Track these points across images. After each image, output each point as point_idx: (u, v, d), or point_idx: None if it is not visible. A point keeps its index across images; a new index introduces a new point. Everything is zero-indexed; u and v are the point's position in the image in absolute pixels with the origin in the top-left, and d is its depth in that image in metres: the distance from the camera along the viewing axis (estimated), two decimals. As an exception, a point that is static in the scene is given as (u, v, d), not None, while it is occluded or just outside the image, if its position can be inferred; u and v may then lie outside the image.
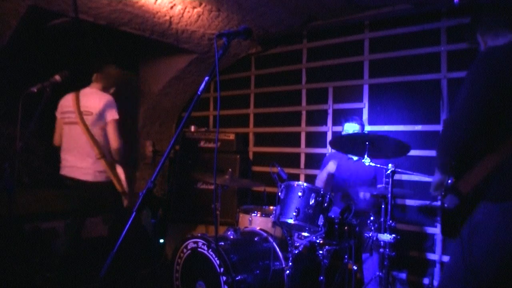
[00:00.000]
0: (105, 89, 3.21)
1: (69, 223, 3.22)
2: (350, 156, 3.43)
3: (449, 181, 1.80)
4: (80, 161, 3.02)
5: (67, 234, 3.20)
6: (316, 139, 4.26)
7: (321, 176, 3.37)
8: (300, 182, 2.76)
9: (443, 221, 1.86)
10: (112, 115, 3.05)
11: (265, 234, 2.99)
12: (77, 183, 3.03)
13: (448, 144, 1.72)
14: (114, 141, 3.05)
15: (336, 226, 2.71)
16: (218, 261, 2.59)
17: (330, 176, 3.35)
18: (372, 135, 2.65)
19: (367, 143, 2.63)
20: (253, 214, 3.17)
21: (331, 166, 3.29)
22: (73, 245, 3.14)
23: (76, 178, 3.03)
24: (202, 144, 4.47)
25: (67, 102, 3.13)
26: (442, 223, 1.87)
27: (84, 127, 2.98)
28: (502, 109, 1.63)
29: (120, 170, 3.08)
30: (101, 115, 3.03)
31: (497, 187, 1.64)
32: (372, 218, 2.79)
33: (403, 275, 3.30)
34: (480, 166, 1.67)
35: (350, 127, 3.37)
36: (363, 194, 3.21)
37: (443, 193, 1.82)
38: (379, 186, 3.28)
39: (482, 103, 1.64)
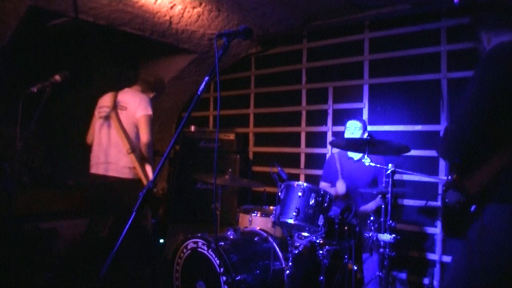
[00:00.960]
0: (144, 93, 3.23)
1: (91, 222, 3.18)
2: (350, 156, 3.43)
3: (449, 177, 1.79)
4: (109, 157, 3.03)
5: (88, 233, 3.17)
6: (316, 139, 4.26)
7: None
8: (300, 182, 2.76)
9: (446, 220, 1.84)
10: (146, 110, 3.06)
11: (265, 234, 2.99)
12: (102, 179, 3.03)
13: (454, 143, 1.71)
14: (144, 135, 3.04)
15: (336, 226, 2.71)
16: (218, 261, 2.59)
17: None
18: (373, 140, 2.66)
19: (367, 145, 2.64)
20: (253, 214, 3.17)
21: (340, 188, 3.28)
22: (93, 245, 3.13)
23: (104, 175, 3.03)
24: (202, 144, 4.47)
25: (105, 98, 3.16)
26: (445, 223, 1.85)
27: (117, 121, 3.01)
28: (509, 107, 1.61)
29: (148, 168, 3.09)
30: (134, 110, 3.05)
31: (504, 188, 1.61)
32: (372, 218, 2.79)
33: (403, 275, 3.31)
34: (488, 166, 1.65)
35: (352, 125, 3.37)
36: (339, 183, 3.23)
37: (444, 189, 1.80)
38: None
39: (488, 101, 1.62)
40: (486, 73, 1.65)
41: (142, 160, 3.07)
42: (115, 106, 3.05)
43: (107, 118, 3.08)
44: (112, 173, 3.02)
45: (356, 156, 3.39)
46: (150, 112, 3.08)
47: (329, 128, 4.13)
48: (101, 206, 3.10)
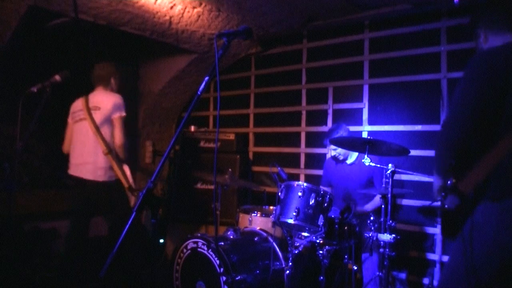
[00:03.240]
0: (107, 87, 3.24)
1: (74, 222, 3.18)
2: (343, 161, 3.44)
3: (449, 182, 1.79)
4: (86, 157, 3.04)
5: (72, 233, 3.17)
6: (316, 139, 4.25)
7: None
8: (300, 182, 2.76)
9: (444, 222, 1.84)
10: (119, 111, 3.09)
11: (265, 234, 2.99)
12: (83, 182, 3.03)
13: (446, 144, 1.72)
14: (118, 137, 3.08)
15: (336, 226, 2.71)
16: (218, 261, 2.59)
17: None
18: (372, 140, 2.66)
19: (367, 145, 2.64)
20: (253, 214, 3.17)
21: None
22: (77, 245, 3.12)
23: (81, 177, 3.04)
24: (202, 144, 4.47)
25: (77, 103, 3.19)
26: (443, 224, 1.86)
27: (92, 122, 3.02)
28: (500, 108, 1.63)
29: (126, 168, 3.10)
30: (108, 111, 3.08)
31: (495, 186, 1.63)
32: (372, 218, 2.79)
33: (403, 275, 3.30)
34: (480, 165, 1.66)
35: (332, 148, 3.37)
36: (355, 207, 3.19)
37: (443, 194, 1.81)
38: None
39: (479, 103, 1.64)
40: (476, 76, 1.67)
41: (119, 160, 3.08)
42: (88, 108, 3.06)
43: (82, 121, 3.10)
44: (88, 175, 3.03)
45: (349, 160, 3.41)
46: (123, 113, 3.11)
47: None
48: (84, 206, 3.10)
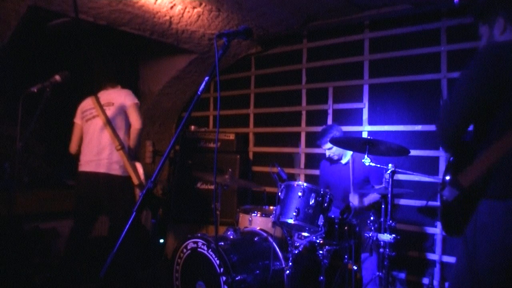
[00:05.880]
0: (115, 86, 3.28)
1: (79, 221, 3.15)
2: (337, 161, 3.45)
3: (447, 177, 1.77)
4: (102, 153, 3.04)
5: (75, 233, 3.15)
6: (316, 139, 4.25)
7: None
8: (300, 182, 2.76)
9: (444, 216, 1.82)
10: (133, 100, 3.16)
11: (265, 234, 2.99)
12: (92, 176, 3.02)
13: (442, 134, 1.71)
14: (136, 121, 3.12)
15: (336, 226, 2.71)
16: (218, 261, 2.59)
17: None
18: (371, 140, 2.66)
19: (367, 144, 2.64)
20: (253, 214, 3.17)
21: (354, 201, 3.21)
22: (78, 245, 3.11)
23: (95, 172, 3.02)
24: (202, 144, 4.48)
25: (86, 103, 3.20)
26: (443, 218, 1.83)
27: (105, 118, 3.02)
28: (500, 105, 1.60)
29: (138, 165, 3.11)
30: (122, 104, 3.11)
31: (499, 183, 1.59)
32: (372, 218, 2.79)
33: (403, 275, 3.31)
34: (480, 160, 1.64)
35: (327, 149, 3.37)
36: (352, 197, 3.18)
37: (441, 187, 1.79)
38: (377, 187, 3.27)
39: (477, 101, 1.61)
40: (477, 72, 1.63)
41: (131, 157, 3.09)
42: (100, 105, 3.06)
43: (94, 118, 3.10)
44: (103, 169, 3.02)
45: (344, 160, 3.41)
46: (136, 100, 3.19)
47: (329, 128, 4.12)
48: (91, 205, 3.08)
